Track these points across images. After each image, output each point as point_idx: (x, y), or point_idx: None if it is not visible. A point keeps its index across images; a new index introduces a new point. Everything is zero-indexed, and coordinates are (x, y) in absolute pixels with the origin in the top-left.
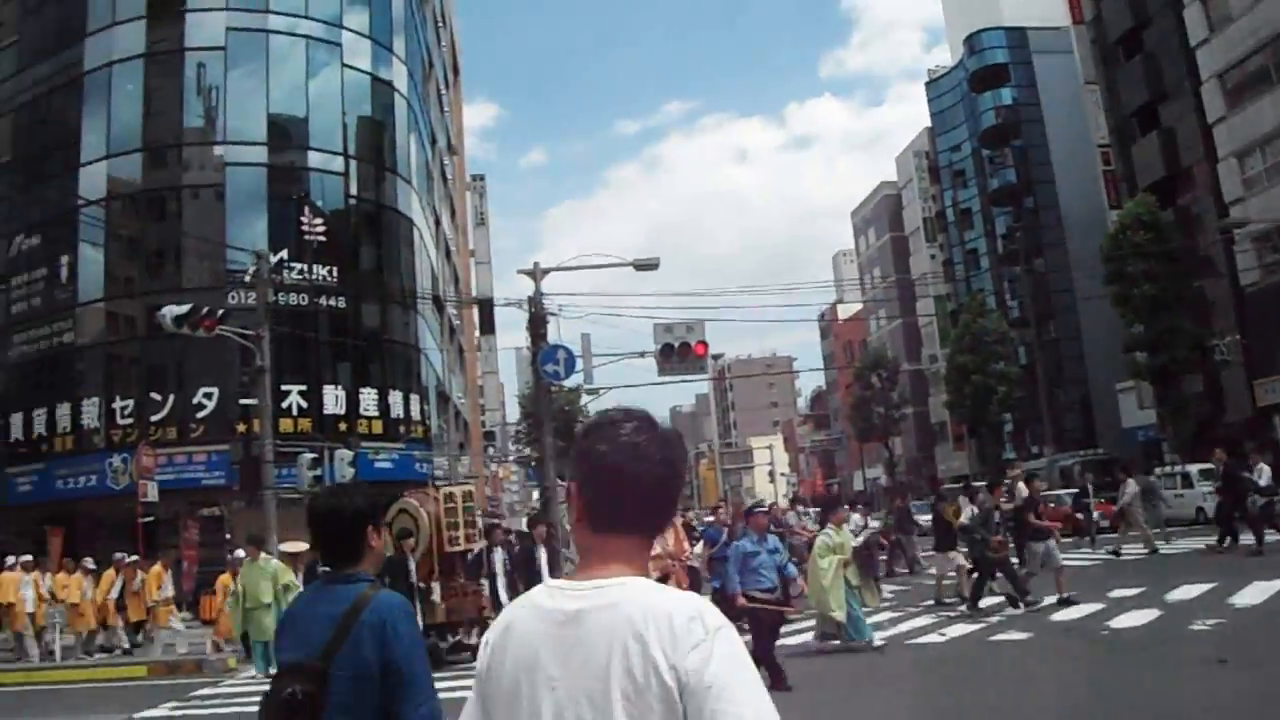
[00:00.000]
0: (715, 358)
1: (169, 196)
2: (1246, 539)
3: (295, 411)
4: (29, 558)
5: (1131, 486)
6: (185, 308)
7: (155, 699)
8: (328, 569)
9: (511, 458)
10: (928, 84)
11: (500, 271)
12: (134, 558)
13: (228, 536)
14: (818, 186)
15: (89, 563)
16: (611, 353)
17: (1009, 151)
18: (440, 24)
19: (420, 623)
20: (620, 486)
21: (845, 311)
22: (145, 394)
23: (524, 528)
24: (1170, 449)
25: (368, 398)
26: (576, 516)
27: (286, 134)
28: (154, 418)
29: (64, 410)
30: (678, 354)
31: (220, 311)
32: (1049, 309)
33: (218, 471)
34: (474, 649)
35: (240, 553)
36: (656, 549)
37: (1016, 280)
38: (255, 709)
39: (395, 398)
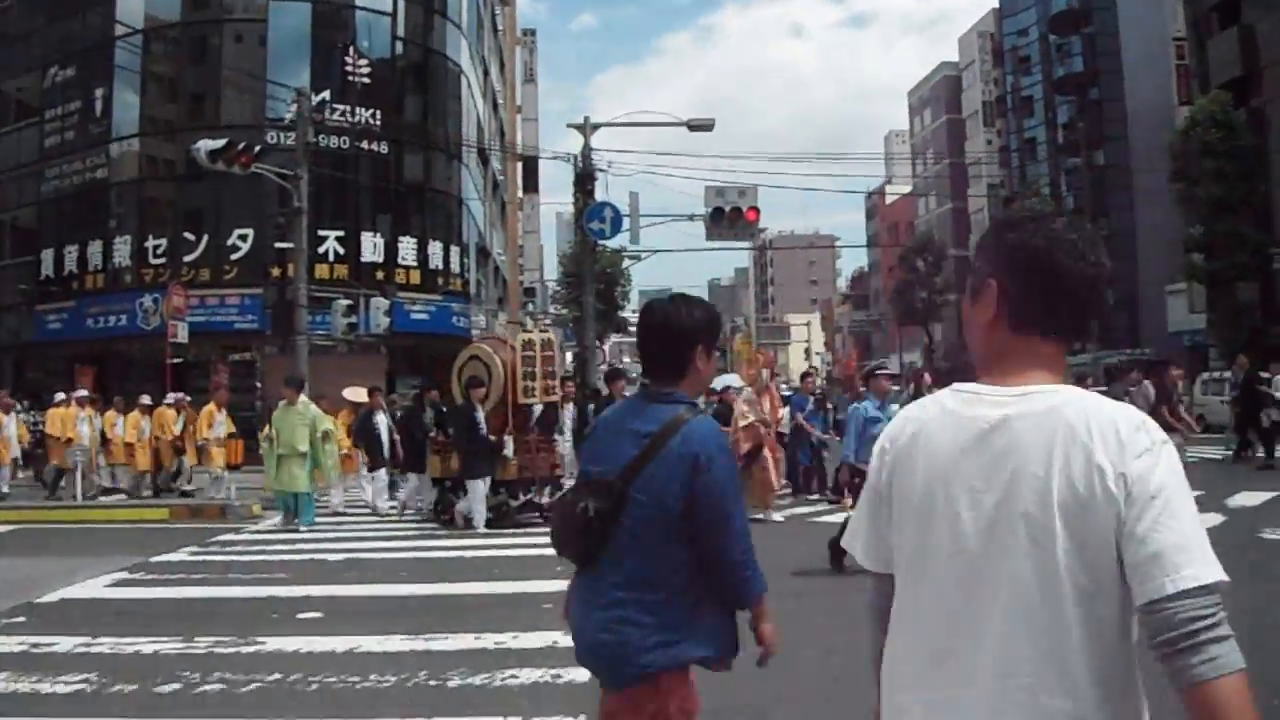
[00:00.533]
0: (759, 231)
1: (210, 32)
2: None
3: (332, 258)
4: (85, 392)
5: (1146, 389)
6: (221, 142)
7: (175, 543)
8: (645, 382)
9: (549, 319)
10: None
11: (545, 133)
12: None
13: (258, 384)
14: (872, 67)
15: (145, 399)
16: (659, 214)
17: (1078, 39)
18: None
19: (489, 479)
20: (1056, 282)
21: (894, 193)
22: (179, 234)
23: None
24: (1218, 355)
25: (406, 247)
26: (990, 316)
27: None
28: (187, 258)
29: (95, 248)
30: (728, 218)
31: (257, 148)
32: (1104, 204)
33: (250, 315)
34: (544, 509)
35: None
36: (749, 415)
37: (1074, 171)
38: (274, 557)
39: (435, 248)
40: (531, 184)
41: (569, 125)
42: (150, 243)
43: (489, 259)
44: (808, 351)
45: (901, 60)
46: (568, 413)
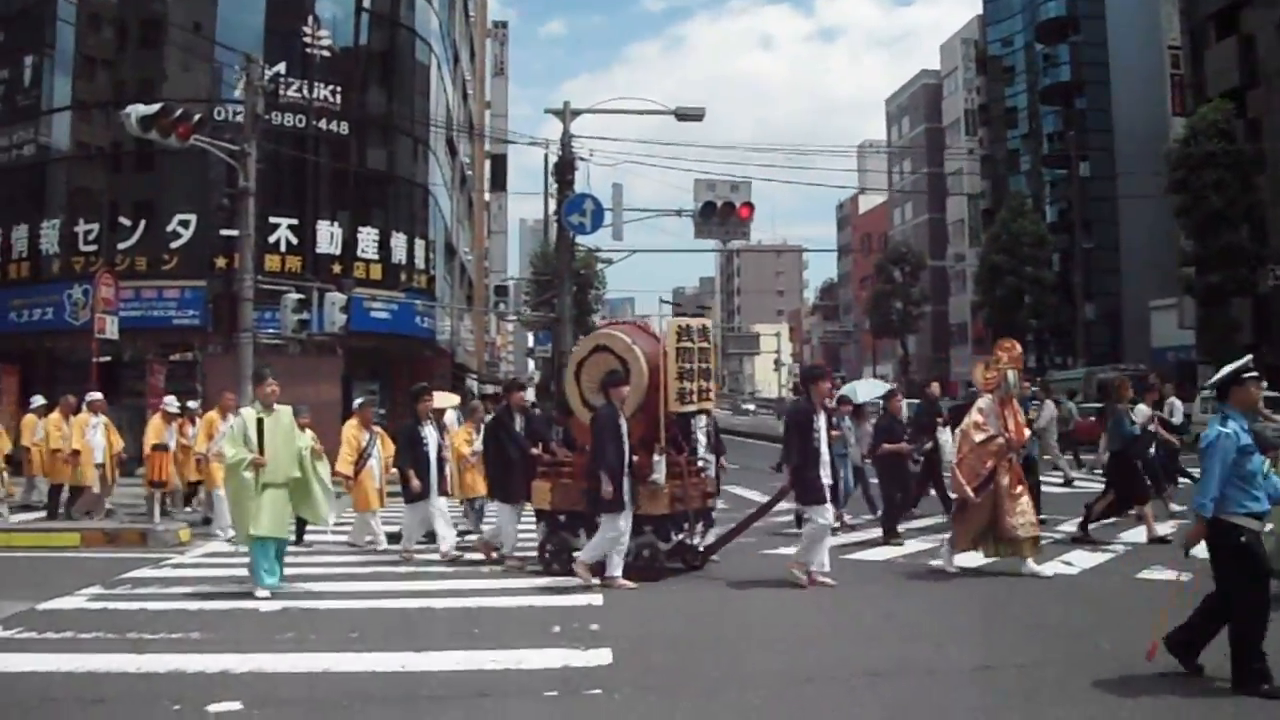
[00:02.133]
0: (725, 244)
1: None
2: None
3: (284, 248)
4: (98, 395)
5: (1049, 409)
6: (155, 107)
7: (78, 581)
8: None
9: (512, 318)
10: None
11: (513, 133)
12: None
13: (198, 386)
14: (839, 80)
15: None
16: (645, 208)
17: (1065, 47)
18: None
19: (629, 515)
20: None
21: (867, 203)
22: (114, 219)
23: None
24: (1209, 372)
25: (367, 238)
26: None
27: None
28: (121, 246)
29: (20, 233)
30: (719, 214)
31: (197, 115)
32: (1086, 216)
33: (191, 310)
34: (695, 552)
35: (173, 403)
36: (987, 428)
37: (1059, 183)
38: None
39: (398, 241)
40: (500, 181)
41: (547, 110)
42: (81, 228)
43: (455, 256)
44: (776, 362)
45: (868, 74)
46: (700, 421)
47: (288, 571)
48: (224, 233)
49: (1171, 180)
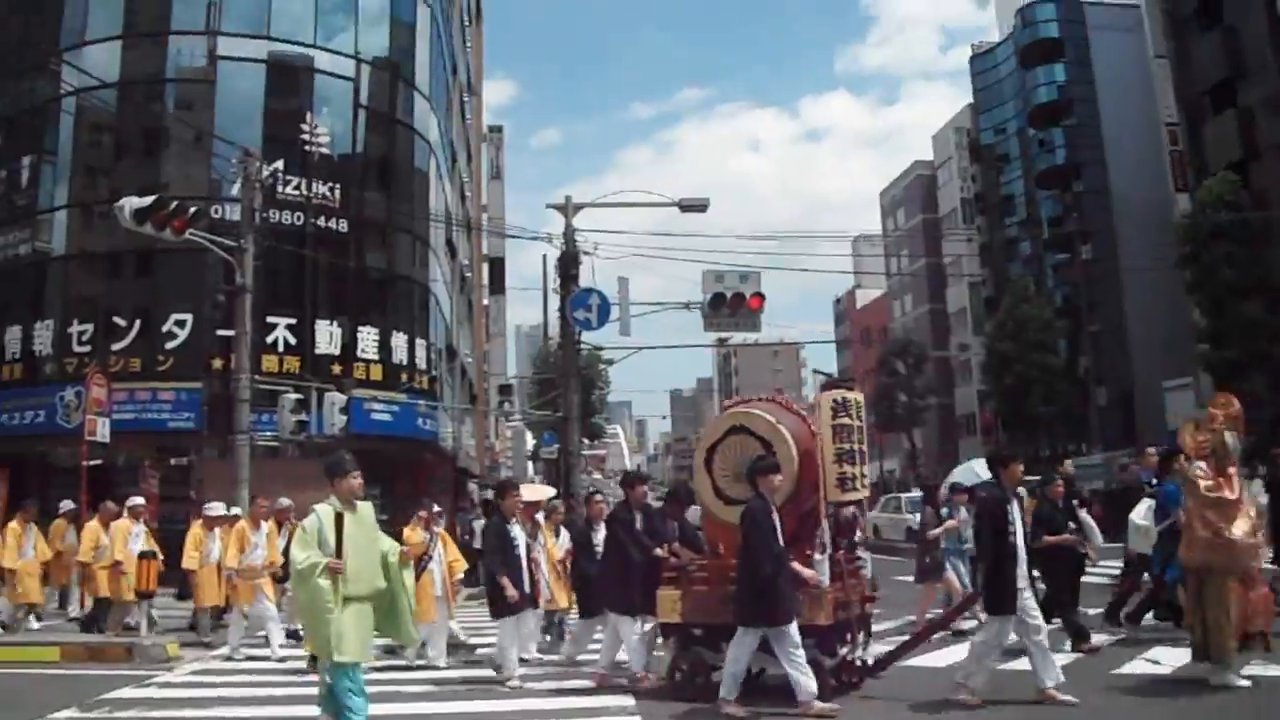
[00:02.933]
0: (721, 340)
1: (151, 95)
2: None
3: (282, 348)
4: (140, 500)
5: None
6: (149, 199)
7: (55, 698)
8: None
9: (516, 418)
10: (972, 59)
11: (509, 240)
12: (234, 510)
13: (191, 494)
14: (828, 179)
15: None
16: (652, 302)
17: (1059, 131)
18: (469, 24)
19: (788, 627)
20: None
21: (864, 297)
22: (108, 319)
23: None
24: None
25: (367, 338)
26: None
27: (289, 27)
28: (115, 346)
29: (14, 334)
30: (729, 305)
31: (193, 209)
32: (1091, 299)
33: (187, 413)
34: (856, 668)
35: (218, 508)
36: (1209, 513)
37: (1061, 267)
38: None
39: (399, 341)
40: (498, 285)
41: (549, 206)
42: (75, 328)
43: (456, 358)
44: None
45: (856, 173)
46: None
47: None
48: (220, 333)
49: (1181, 255)
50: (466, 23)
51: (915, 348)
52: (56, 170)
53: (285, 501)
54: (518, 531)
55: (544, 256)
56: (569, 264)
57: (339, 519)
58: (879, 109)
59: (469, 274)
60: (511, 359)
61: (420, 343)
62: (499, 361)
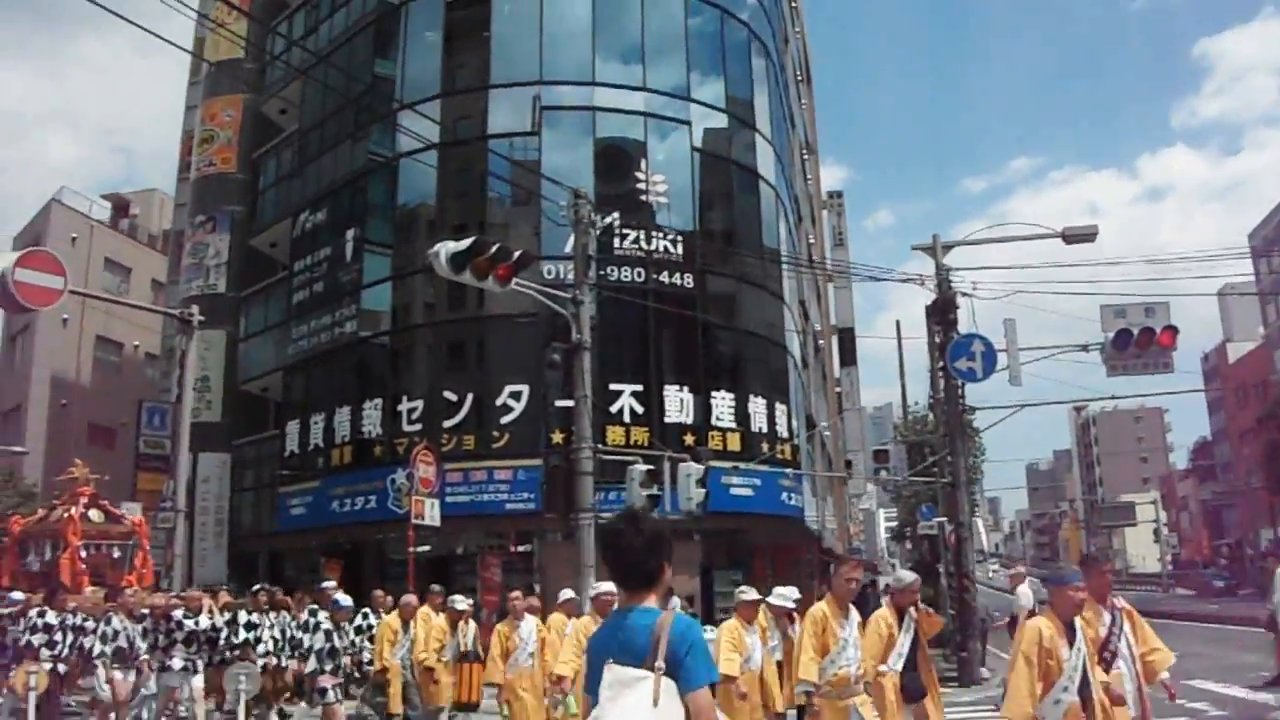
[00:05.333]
0: (1078, 409)
1: (474, 156)
2: None
3: (628, 418)
4: (468, 604)
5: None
6: (466, 242)
7: None
8: None
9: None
10: None
11: (879, 269)
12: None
13: (535, 585)
14: (1173, 236)
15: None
16: (1039, 346)
17: None
18: (800, 80)
19: None
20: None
21: (1236, 351)
22: (437, 394)
23: None
24: None
25: (722, 404)
26: None
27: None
28: (447, 423)
29: (343, 416)
30: (1136, 343)
31: (517, 253)
32: None
33: (526, 493)
34: None
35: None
36: None
37: None
38: None
39: (757, 406)
40: (849, 357)
41: (914, 247)
42: (404, 405)
43: (815, 430)
44: (1157, 533)
45: (1202, 230)
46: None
47: None
48: (559, 404)
49: None
50: (799, 77)
51: None
52: (379, 241)
53: (567, 594)
54: None
55: (897, 322)
56: (945, 308)
57: None
58: (1221, 160)
59: (821, 342)
60: (864, 437)
61: (780, 408)
62: (855, 439)
